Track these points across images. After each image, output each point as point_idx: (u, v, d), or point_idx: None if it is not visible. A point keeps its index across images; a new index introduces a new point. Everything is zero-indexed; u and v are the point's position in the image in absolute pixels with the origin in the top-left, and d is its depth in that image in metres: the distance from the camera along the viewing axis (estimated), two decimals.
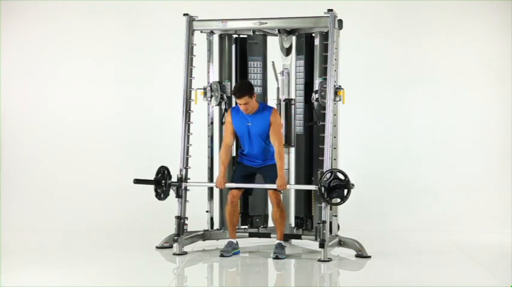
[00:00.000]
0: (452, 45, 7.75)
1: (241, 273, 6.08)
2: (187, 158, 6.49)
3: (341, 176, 6.08)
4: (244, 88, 6.23)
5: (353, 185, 6.04)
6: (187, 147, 6.52)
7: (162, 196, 6.48)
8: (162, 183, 6.45)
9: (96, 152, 7.88)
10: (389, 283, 5.61)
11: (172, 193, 6.45)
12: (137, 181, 6.45)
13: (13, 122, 7.86)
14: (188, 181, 6.48)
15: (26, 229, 7.51)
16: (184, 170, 6.47)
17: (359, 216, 7.47)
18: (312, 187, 6.36)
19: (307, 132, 6.67)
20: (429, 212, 7.65)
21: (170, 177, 6.48)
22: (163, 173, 6.47)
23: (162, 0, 7.84)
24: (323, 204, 6.15)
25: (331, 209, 6.30)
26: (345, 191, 6.06)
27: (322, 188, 6.09)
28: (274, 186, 6.24)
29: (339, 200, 6.11)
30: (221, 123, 6.73)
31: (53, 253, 6.56)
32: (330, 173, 6.10)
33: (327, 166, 6.14)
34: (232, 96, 6.49)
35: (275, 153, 6.28)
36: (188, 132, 6.54)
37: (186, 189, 6.46)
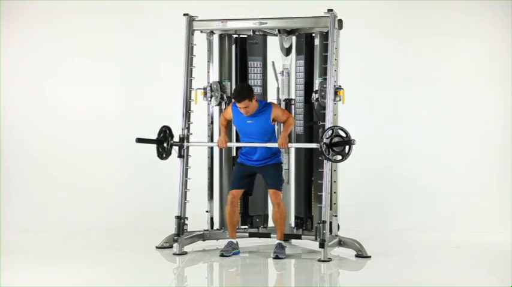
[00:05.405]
0: (452, 45, 7.74)
1: (241, 273, 6.08)
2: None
3: (342, 133, 6.06)
4: (243, 92, 6.21)
5: (354, 141, 6.01)
6: (187, 147, 6.51)
7: (164, 155, 6.48)
8: (164, 143, 6.45)
9: (96, 152, 7.87)
10: (390, 283, 5.61)
11: (174, 153, 6.45)
12: (139, 140, 6.43)
13: (13, 122, 7.85)
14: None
15: (26, 229, 7.50)
16: (186, 130, 6.47)
17: (359, 216, 7.48)
18: (314, 145, 6.33)
19: (307, 132, 6.67)
20: (429, 212, 7.65)
21: (172, 137, 6.48)
22: (165, 132, 6.47)
23: (162, 0, 7.84)
24: (324, 165, 6.09)
25: (331, 209, 6.31)
26: (346, 147, 6.04)
27: (324, 145, 6.06)
28: (276, 145, 6.25)
29: (340, 157, 6.09)
30: None
31: (53, 253, 6.55)
32: (331, 131, 6.07)
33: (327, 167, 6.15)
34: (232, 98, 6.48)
35: (285, 123, 6.30)
36: (188, 132, 6.54)
37: (187, 148, 6.45)
